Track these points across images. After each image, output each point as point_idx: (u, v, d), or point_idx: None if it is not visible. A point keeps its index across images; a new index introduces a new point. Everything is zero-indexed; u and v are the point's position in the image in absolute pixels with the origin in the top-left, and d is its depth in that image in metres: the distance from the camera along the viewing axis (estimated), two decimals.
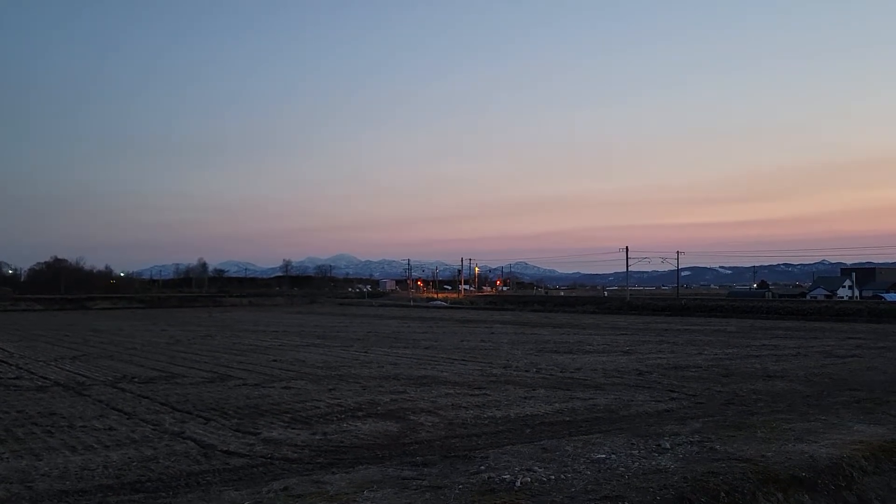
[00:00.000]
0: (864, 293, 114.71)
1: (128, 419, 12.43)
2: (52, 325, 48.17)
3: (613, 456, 8.14)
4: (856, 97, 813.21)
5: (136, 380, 18.07)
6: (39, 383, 17.58)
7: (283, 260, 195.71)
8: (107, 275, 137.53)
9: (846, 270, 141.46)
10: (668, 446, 8.63)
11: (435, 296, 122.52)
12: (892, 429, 10.03)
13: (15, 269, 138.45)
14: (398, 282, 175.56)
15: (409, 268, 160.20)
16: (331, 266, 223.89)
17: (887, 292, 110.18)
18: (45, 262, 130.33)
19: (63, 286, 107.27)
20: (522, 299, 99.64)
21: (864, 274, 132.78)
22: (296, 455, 9.57)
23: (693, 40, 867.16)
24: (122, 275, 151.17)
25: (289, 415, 12.71)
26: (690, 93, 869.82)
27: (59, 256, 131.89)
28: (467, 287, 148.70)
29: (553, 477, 7.18)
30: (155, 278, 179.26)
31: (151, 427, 11.64)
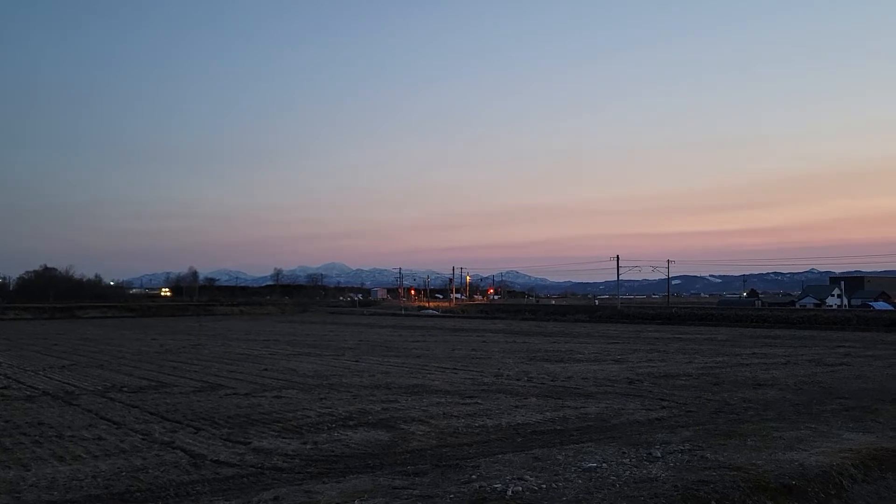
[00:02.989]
0: (853, 302, 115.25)
1: (117, 429, 12.36)
2: (41, 334, 47.86)
3: (604, 465, 8.15)
4: (845, 107, 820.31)
5: (125, 389, 17.97)
6: (28, 393, 17.46)
7: (275, 268, 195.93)
8: (97, 283, 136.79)
9: (835, 279, 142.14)
10: (659, 455, 8.65)
11: (426, 304, 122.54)
12: (881, 437, 10.08)
13: (4, 278, 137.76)
14: (389, 290, 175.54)
15: (401, 276, 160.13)
16: (322, 275, 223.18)
17: (876, 301, 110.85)
18: (35, 271, 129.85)
19: (53, 295, 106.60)
20: (514, 308, 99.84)
21: (853, 283, 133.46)
22: (286, 464, 9.53)
23: (684, 49, 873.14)
24: (111, 283, 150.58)
25: (279, 424, 12.66)
26: (681, 102, 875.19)
27: (49, 265, 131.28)
28: (459, 296, 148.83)
29: (544, 486, 7.18)
30: (145, 287, 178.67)
31: (141, 437, 11.57)
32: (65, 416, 13.88)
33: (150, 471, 9.16)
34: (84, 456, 10.13)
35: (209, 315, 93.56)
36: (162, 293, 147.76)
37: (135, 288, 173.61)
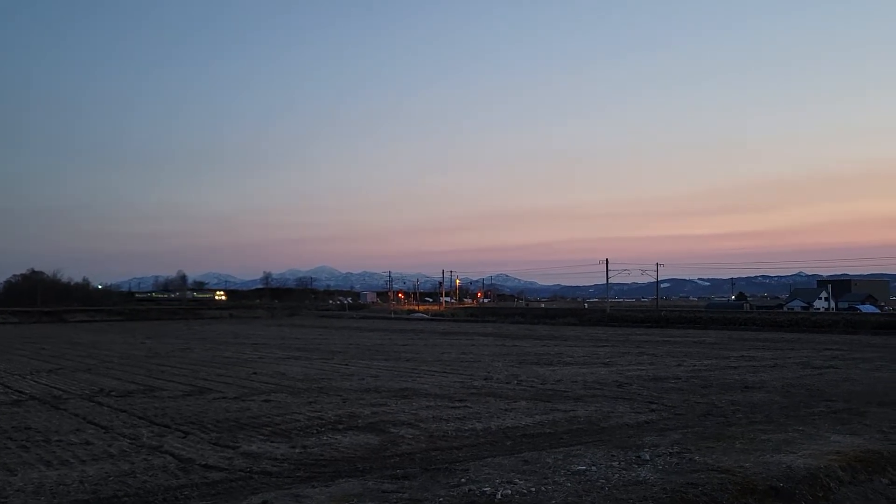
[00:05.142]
0: (840, 305, 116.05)
1: (105, 433, 12.29)
2: (28, 338, 47.52)
3: (594, 468, 8.17)
4: (832, 112, 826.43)
5: (113, 393, 17.87)
6: (14, 397, 17.34)
7: (264, 272, 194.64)
8: (84, 287, 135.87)
9: (822, 282, 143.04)
10: (647, 458, 8.68)
11: (416, 308, 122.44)
12: (868, 439, 10.15)
13: None
14: (379, 294, 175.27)
15: (391, 280, 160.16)
16: (312, 278, 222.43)
17: (863, 304, 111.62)
18: (22, 275, 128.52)
19: (40, 299, 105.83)
20: (503, 311, 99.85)
21: (840, 286, 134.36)
22: (275, 469, 9.50)
23: (671, 53, 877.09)
24: (100, 287, 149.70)
25: (268, 428, 12.62)
26: (668, 105, 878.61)
27: (36, 269, 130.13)
28: (448, 299, 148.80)
29: (534, 489, 7.19)
30: (134, 290, 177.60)
31: (129, 441, 11.51)
32: (52, 420, 13.78)
33: (138, 475, 9.11)
34: (71, 461, 10.07)
35: (198, 319, 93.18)
36: (216, 297, 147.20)
37: (123, 290, 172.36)
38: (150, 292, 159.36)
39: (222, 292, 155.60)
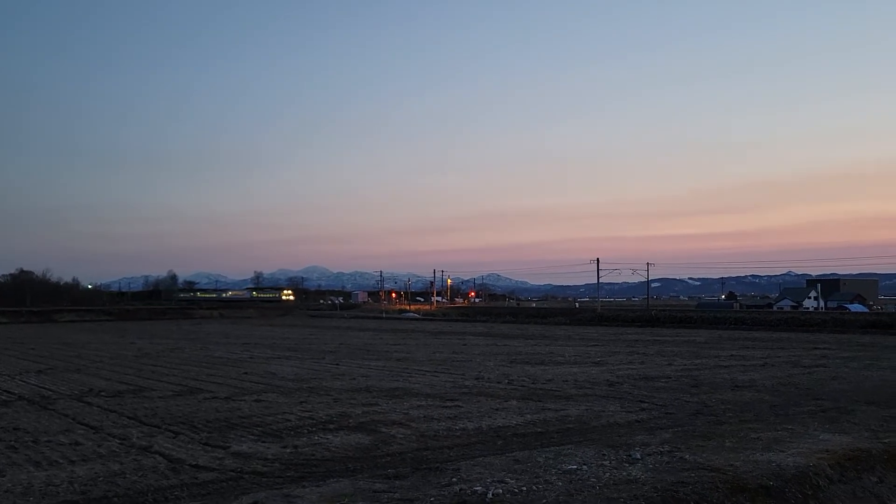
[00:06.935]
0: (829, 304, 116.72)
1: (94, 434, 12.22)
2: (17, 339, 47.22)
3: (585, 467, 8.18)
4: (822, 113, 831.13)
5: (103, 393, 17.77)
6: (3, 398, 17.22)
7: (255, 272, 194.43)
8: (74, 287, 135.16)
9: (812, 282, 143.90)
10: (638, 457, 8.69)
11: (407, 308, 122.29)
12: (857, 438, 10.19)
13: None
14: (371, 294, 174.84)
15: (382, 279, 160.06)
16: (303, 278, 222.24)
17: (851, 303, 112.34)
18: (10, 275, 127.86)
19: (29, 299, 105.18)
20: (495, 311, 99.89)
21: (829, 285, 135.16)
22: (266, 469, 9.47)
23: (661, 54, 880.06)
24: (89, 287, 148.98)
25: (259, 428, 12.59)
26: (659, 107, 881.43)
27: (25, 268, 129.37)
28: (440, 299, 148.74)
29: (525, 488, 7.19)
30: (124, 290, 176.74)
31: (118, 441, 11.46)
32: (41, 420, 13.70)
33: (127, 476, 9.07)
34: (60, 461, 10.01)
35: (188, 318, 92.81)
36: (284, 296, 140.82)
37: (114, 290, 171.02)
38: (194, 291, 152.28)
39: (290, 291, 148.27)
